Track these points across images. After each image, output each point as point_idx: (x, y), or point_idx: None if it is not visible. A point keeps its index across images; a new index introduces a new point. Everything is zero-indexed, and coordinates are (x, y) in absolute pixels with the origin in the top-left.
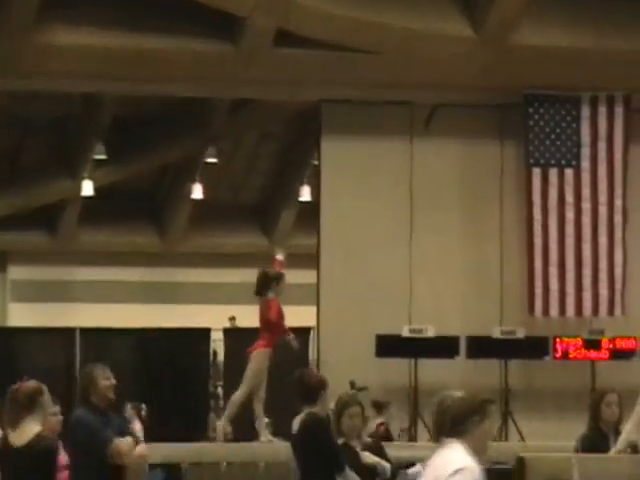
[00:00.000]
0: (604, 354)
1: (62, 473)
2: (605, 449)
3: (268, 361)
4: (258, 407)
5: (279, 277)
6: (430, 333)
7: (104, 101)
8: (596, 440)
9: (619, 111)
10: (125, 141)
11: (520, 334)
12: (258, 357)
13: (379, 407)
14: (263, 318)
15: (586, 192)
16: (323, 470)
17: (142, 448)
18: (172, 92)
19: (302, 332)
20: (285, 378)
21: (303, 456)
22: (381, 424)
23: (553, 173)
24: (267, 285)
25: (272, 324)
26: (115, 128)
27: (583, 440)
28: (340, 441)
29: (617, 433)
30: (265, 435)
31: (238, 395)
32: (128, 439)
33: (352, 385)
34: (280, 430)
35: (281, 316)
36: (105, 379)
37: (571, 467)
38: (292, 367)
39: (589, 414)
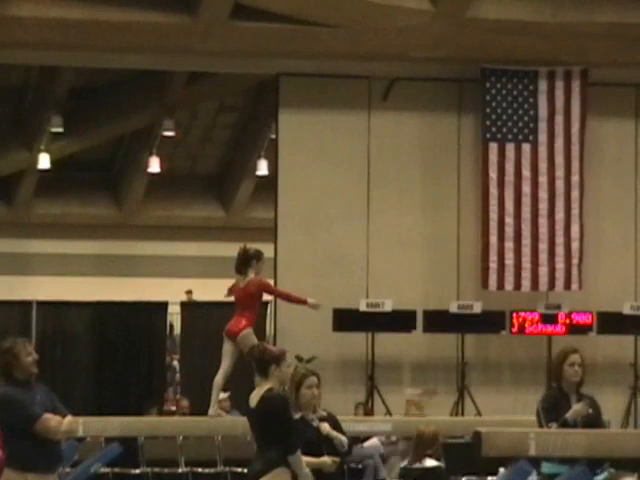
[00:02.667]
0: (561, 329)
1: None
2: (566, 408)
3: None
4: (223, 381)
5: (258, 255)
6: (387, 307)
7: (61, 73)
8: (557, 399)
9: (576, 85)
10: (82, 113)
11: (477, 308)
12: (246, 340)
13: None
14: (243, 297)
15: (543, 166)
16: (278, 447)
17: (69, 420)
18: (129, 64)
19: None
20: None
21: (260, 432)
22: None
23: (510, 148)
24: (247, 263)
25: (251, 303)
26: (72, 100)
27: (543, 399)
28: (297, 415)
29: (578, 394)
30: (214, 410)
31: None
32: (56, 417)
33: (300, 359)
34: (238, 404)
35: (260, 295)
36: (27, 355)
37: (528, 441)
38: None
39: (551, 374)
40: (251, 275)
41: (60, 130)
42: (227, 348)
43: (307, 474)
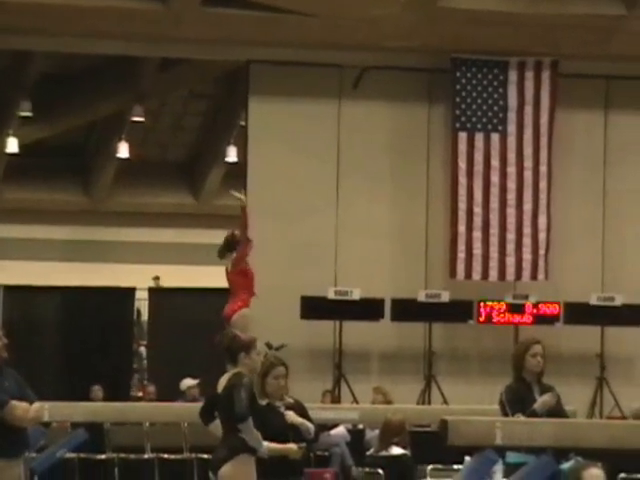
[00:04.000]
0: (528, 319)
1: None
2: (531, 399)
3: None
4: None
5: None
6: (355, 295)
7: (32, 57)
8: (521, 390)
9: (546, 76)
10: (52, 98)
11: (445, 298)
12: (242, 321)
13: None
14: (233, 279)
15: (511, 157)
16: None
17: (36, 408)
18: (101, 50)
19: (228, 292)
20: (211, 338)
21: (225, 417)
22: None
23: (479, 138)
24: (233, 247)
25: (243, 283)
26: (41, 85)
27: (508, 391)
28: (264, 402)
29: (540, 384)
30: None
31: None
32: (23, 404)
33: (269, 346)
34: (205, 390)
35: (251, 276)
36: None
37: (494, 430)
38: (217, 328)
39: (513, 364)
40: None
41: (29, 114)
42: None
43: (258, 440)
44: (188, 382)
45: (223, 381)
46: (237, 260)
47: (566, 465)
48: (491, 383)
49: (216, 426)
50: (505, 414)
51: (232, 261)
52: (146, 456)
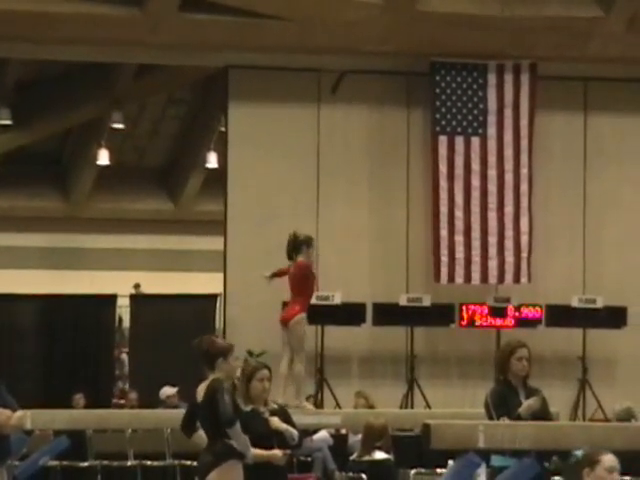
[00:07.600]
0: (510, 322)
1: None
2: (516, 402)
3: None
4: (287, 370)
5: (309, 240)
6: (337, 300)
7: (9, 65)
8: (507, 394)
9: (525, 79)
10: (30, 105)
11: (426, 301)
12: (298, 327)
13: None
14: (293, 282)
15: (492, 160)
16: (226, 438)
17: (18, 415)
18: (78, 56)
19: (209, 299)
20: (190, 345)
21: (208, 423)
22: None
23: (459, 141)
24: (297, 248)
25: (303, 287)
26: (20, 92)
27: (493, 394)
28: (248, 408)
29: (526, 387)
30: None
31: (299, 367)
32: (5, 411)
33: (250, 354)
34: (186, 396)
35: (312, 279)
36: None
37: (477, 433)
38: (198, 334)
39: (497, 368)
40: (299, 259)
41: (8, 122)
42: (284, 337)
43: (246, 445)
44: (167, 391)
45: (202, 389)
46: (299, 265)
47: (578, 452)
48: (473, 386)
49: (199, 437)
50: (490, 417)
51: (295, 263)
52: (129, 463)
